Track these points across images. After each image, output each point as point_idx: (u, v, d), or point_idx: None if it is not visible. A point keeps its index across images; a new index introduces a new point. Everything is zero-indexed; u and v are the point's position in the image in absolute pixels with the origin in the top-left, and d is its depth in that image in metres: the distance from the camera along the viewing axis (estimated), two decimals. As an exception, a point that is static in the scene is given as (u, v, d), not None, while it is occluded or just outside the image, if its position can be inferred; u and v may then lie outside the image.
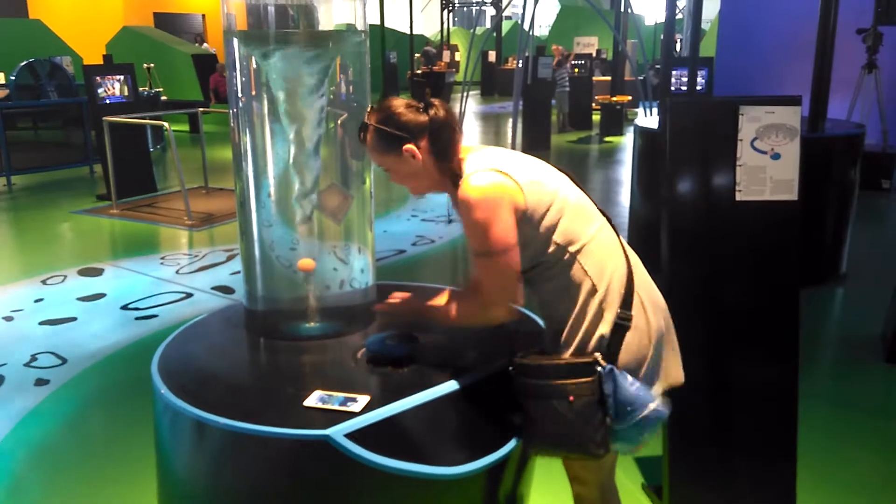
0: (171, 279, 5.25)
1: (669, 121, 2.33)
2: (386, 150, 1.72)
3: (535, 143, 11.25)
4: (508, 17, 28.28)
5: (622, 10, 13.87)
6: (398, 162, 1.72)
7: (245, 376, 1.99)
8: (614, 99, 13.33)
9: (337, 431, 1.57)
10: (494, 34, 24.38)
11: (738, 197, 2.29)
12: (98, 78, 7.75)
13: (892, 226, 7.10)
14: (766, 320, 2.34)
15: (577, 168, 9.78)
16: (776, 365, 2.35)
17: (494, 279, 1.66)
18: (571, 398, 1.58)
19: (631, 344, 1.64)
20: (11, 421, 3.27)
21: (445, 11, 25.26)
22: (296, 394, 1.74)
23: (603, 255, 1.68)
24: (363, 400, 1.68)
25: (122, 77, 7.96)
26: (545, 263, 1.68)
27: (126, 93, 7.98)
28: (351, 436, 1.58)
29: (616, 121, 13.12)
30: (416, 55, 22.87)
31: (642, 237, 5.33)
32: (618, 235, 1.75)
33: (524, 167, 1.70)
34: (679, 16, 18.15)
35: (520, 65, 8.10)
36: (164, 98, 12.55)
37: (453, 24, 29.75)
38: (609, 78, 16.01)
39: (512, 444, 1.72)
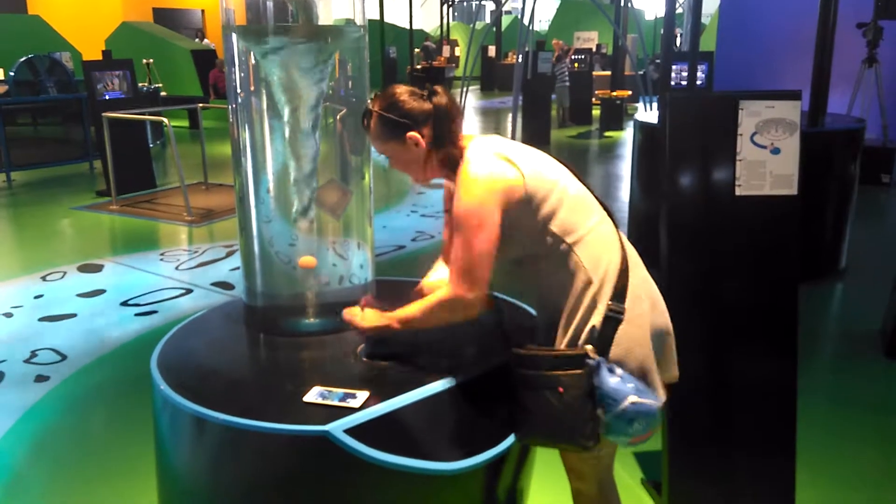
0: (171, 275, 5.26)
1: (669, 116, 2.33)
2: (389, 137, 1.72)
3: (534, 138, 11.24)
4: (508, 12, 28.22)
5: (622, 4, 13.84)
6: (400, 149, 1.73)
7: (244, 372, 1.99)
8: (614, 94, 13.32)
9: (336, 427, 1.57)
10: (494, 29, 24.34)
11: (738, 192, 2.28)
12: (97, 73, 7.75)
13: (891, 221, 7.10)
14: (765, 315, 2.34)
15: (576, 163, 9.77)
16: (775, 360, 2.35)
17: (465, 275, 1.63)
18: (561, 389, 1.58)
19: (623, 336, 1.64)
20: (11, 417, 3.28)
21: (445, 6, 25.22)
22: (295, 390, 1.74)
23: (600, 247, 1.68)
24: (362, 396, 1.68)
25: (121, 73, 7.95)
26: (541, 253, 1.69)
27: (125, 88, 7.98)
28: (350, 431, 1.58)
29: (616, 116, 13.11)
30: (416, 50, 22.84)
31: (642, 232, 5.33)
32: (617, 230, 1.75)
33: (526, 155, 1.70)
34: (679, 10, 18.14)
35: (520, 60, 8.08)
36: (163, 94, 12.55)
37: (453, 19, 29.71)
38: (609, 73, 16.00)
39: (511, 439, 1.72)
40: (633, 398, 1.56)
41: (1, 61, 11.93)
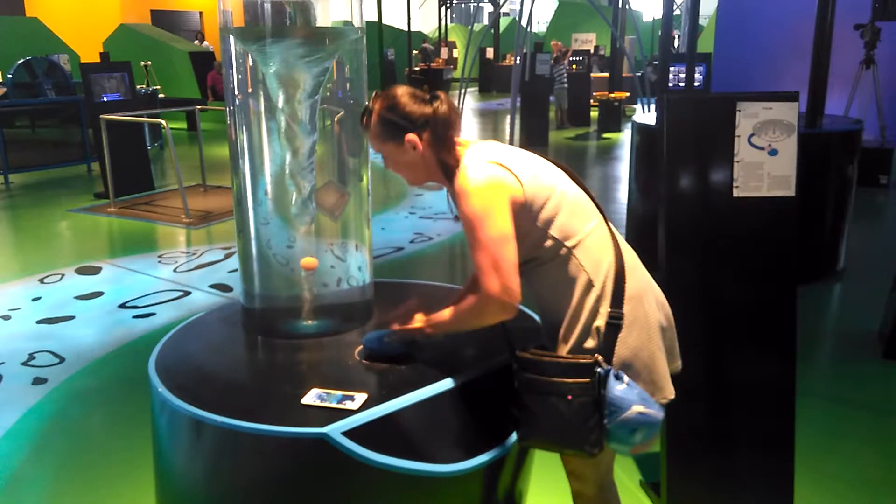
0: (169, 277, 5.25)
1: (667, 117, 2.33)
2: (387, 138, 1.72)
3: (533, 140, 11.26)
4: (506, 14, 28.27)
5: (620, 6, 13.86)
6: (398, 151, 1.72)
7: (242, 374, 1.98)
8: (612, 95, 13.34)
9: (334, 429, 1.57)
10: (492, 31, 24.37)
11: (736, 193, 2.29)
12: (95, 76, 7.74)
13: (889, 222, 7.11)
14: (763, 316, 2.34)
15: (575, 165, 9.78)
16: (774, 361, 2.35)
17: (492, 272, 1.60)
18: (570, 397, 1.58)
19: (627, 340, 1.64)
20: (9, 419, 3.27)
21: (443, 8, 25.25)
22: (293, 392, 1.74)
23: (599, 250, 1.68)
24: (360, 398, 1.68)
25: (119, 75, 7.94)
26: (541, 258, 1.68)
27: (123, 91, 7.97)
28: (348, 434, 1.58)
29: (614, 117, 13.13)
30: (414, 52, 22.86)
31: (640, 233, 5.34)
32: (612, 234, 1.74)
33: (523, 161, 1.70)
34: (677, 12, 18.18)
35: (518, 61, 8.08)
36: (161, 96, 12.54)
37: (451, 21, 29.74)
38: (607, 74, 16.01)
39: (510, 441, 1.72)
40: (638, 408, 1.56)
41: (-1, 64, 11.95)
